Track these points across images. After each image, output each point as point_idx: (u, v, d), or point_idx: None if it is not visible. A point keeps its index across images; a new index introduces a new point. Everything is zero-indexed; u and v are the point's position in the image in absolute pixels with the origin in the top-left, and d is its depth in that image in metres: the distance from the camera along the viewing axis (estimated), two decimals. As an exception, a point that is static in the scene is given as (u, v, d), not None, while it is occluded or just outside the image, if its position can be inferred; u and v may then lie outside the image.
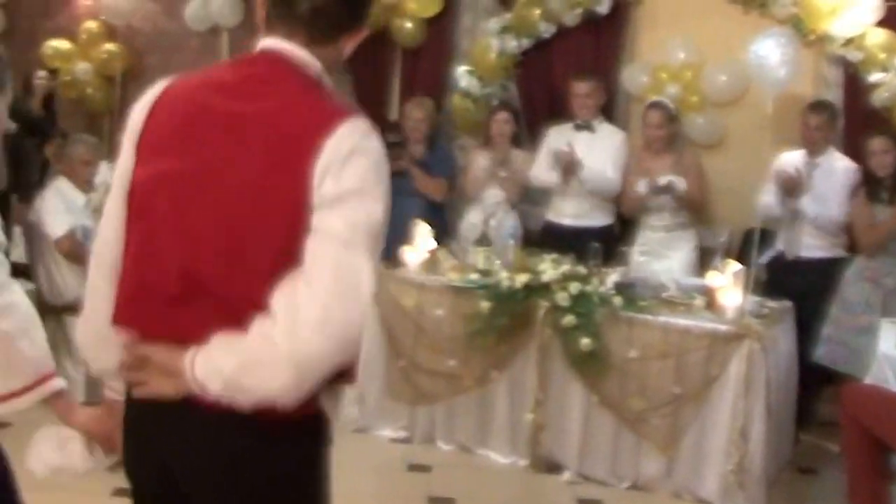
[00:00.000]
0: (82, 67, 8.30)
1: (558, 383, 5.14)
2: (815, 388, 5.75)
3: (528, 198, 6.69)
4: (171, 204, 1.92)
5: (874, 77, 6.08)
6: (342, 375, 1.87)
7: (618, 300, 5.05)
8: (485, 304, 5.20)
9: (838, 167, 5.81)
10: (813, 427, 5.84)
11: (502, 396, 5.30)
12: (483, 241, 5.76)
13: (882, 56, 6.06)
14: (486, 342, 5.23)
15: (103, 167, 6.01)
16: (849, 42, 6.15)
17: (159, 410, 1.91)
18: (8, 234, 6.26)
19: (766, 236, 6.01)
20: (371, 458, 5.33)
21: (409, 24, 7.40)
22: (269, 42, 1.99)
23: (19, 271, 6.46)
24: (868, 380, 4.56)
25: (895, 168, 5.62)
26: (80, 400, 3.08)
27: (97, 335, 2.06)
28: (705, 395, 4.85)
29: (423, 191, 6.66)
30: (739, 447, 4.74)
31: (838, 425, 4.55)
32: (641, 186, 6.05)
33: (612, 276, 5.25)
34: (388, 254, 5.87)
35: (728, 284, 5.06)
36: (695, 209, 6.22)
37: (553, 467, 5.19)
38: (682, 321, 4.95)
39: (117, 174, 2.04)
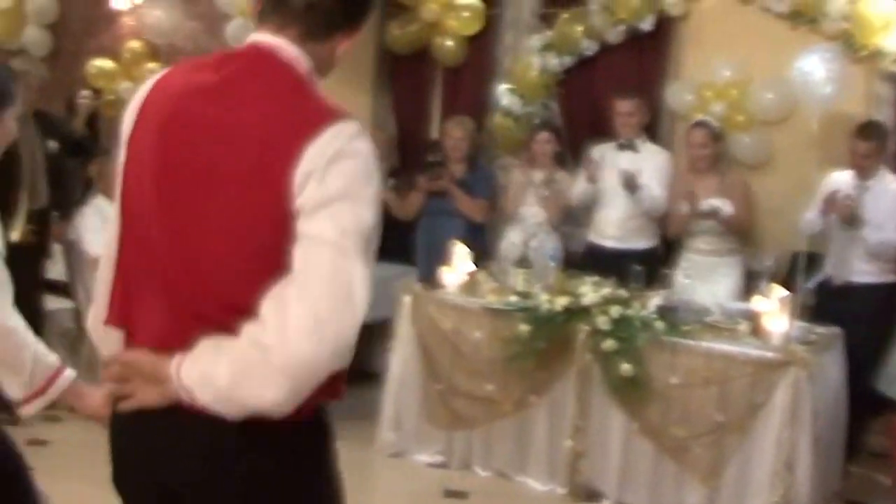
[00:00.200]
0: (125, 87, 8.32)
1: (598, 409, 5.03)
2: (865, 418, 5.56)
3: (570, 219, 6.58)
4: (156, 211, 1.87)
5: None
6: (326, 390, 1.80)
7: (660, 324, 4.93)
8: (523, 328, 5.11)
9: (891, 189, 5.62)
10: (862, 458, 5.64)
11: (541, 422, 5.20)
12: (523, 262, 5.65)
13: (936, 73, 5.89)
14: (525, 366, 5.14)
15: None
16: (902, 58, 5.99)
17: (147, 420, 1.85)
18: (48, 252, 6.30)
19: (815, 260, 5.84)
20: (407, 483, 5.27)
21: (449, 43, 7.34)
22: (259, 36, 1.92)
23: (59, 289, 6.50)
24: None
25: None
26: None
27: (104, 327, 2.03)
28: (749, 423, 4.71)
29: (463, 211, 6.58)
30: (784, 479, 4.59)
31: (889, 457, 4.40)
32: (684, 206, 5.92)
33: (655, 300, 5.14)
34: (428, 275, 5.82)
35: (774, 310, 4.92)
36: (741, 232, 6.07)
37: (592, 495, 5.08)
38: (725, 347, 4.82)
39: (118, 175, 2.00)
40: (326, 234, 1.72)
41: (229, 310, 1.76)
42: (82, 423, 2.28)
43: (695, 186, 5.99)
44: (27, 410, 2.54)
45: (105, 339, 2.03)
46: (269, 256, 1.74)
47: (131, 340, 1.93)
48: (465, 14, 7.23)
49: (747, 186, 6.16)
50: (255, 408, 1.72)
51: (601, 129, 6.58)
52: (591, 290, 5.14)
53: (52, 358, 2.56)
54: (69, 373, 2.56)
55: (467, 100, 7.42)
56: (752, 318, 5.01)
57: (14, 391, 2.52)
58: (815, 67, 5.71)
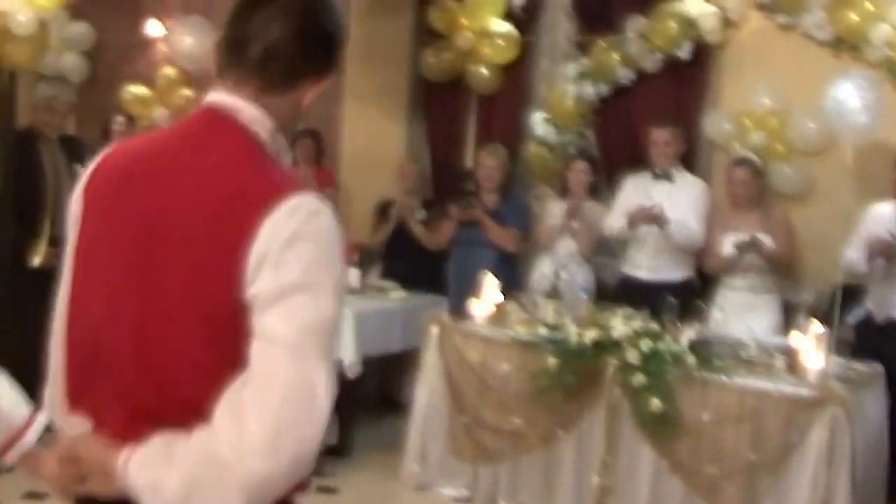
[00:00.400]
0: (160, 113, 8.34)
1: (627, 445, 4.88)
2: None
3: (604, 250, 6.45)
4: (104, 295, 1.74)
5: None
6: (290, 488, 1.67)
7: (691, 359, 4.78)
8: (552, 361, 4.98)
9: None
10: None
11: (568, 457, 5.06)
12: (553, 293, 5.53)
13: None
14: (553, 400, 5.01)
15: None
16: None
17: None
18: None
19: (856, 294, 5.65)
20: (431, 517, 5.16)
21: (484, 71, 7.28)
22: (215, 96, 1.77)
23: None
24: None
25: None
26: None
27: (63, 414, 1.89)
28: (784, 463, 4.53)
29: (495, 241, 6.47)
30: (821, 521, 4.41)
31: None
32: (727, 247, 5.75)
33: (688, 334, 4.99)
34: (459, 306, 5.72)
35: (811, 345, 4.75)
36: (782, 268, 5.91)
37: (620, 533, 4.91)
38: (759, 384, 4.65)
39: (67, 257, 1.86)
40: (284, 335, 1.57)
41: (182, 406, 1.63)
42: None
43: (736, 222, 5.83)
44: None
45: (65, 422, 1.87)
46: (225, 348, 1.61)
47: (87, 420, 1.78)
48: (500, 42, 7.17)
49: (789, 222, 6.00)
50: None
51: (637, 159, 6.46)
52: (621, 323, 5.00)
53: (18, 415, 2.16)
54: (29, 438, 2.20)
55: (502, 128, 7.35)
56: (789, 353, 4.84)
57: None
58: (849, 96, 5.54)
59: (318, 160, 7.51)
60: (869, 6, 5.95)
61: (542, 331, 5.19)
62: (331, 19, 1.82)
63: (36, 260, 5.83)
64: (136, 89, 8.36)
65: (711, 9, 6.45)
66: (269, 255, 1.58)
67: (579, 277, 6.08)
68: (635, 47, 6.65)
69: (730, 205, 6.04)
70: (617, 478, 4.89)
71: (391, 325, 6.19)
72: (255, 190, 1.65)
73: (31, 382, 2.09)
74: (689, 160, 6.45)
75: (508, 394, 5.19)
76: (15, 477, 2.11)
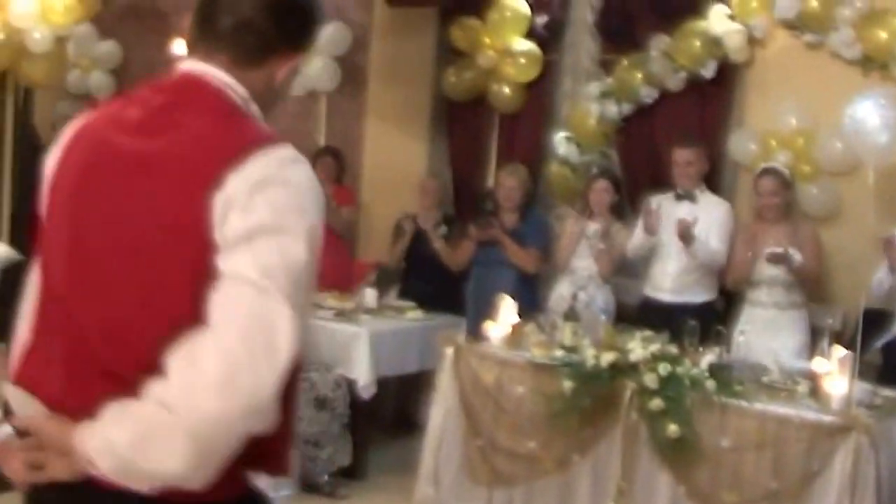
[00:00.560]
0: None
1: (644, 471, 4.74)
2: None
3: (626, 271, 6.34)
4: (68, 257, 1.68)
5: None
6: (260, 462, 1.59)
7: (710, 383, 4.64)
8: (567, 384, 4.86)
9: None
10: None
11: (584, 482, 4.93)
12: (571, 315, 5.41)
13: None
14: (569, 424, 4.89)
15: None
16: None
17: (60, 493, 1.61)
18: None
19: (884, 318, 5.51)
20: (444, 541, 5.06)
21: (506, 89, 7.20)
22: (187, 64, 1.76)
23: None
24: None
25: None
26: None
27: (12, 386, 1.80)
28: (806, 492, 4.37)
29: (514, 262, 6.38)
30: (843, 554, 4.26)
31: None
32: (761, 262, 5.62)
33: (707, 357, 4.86)
34: (477, 327, 5.63)
35: (834, 370, 4.61)
36: (809, 283, 5.77)
37: (636, 561, 4.79)
38: (780, 409, 4.51)
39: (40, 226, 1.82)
40: (246, 272, 1.51)
41: (143, 368, 1.54)
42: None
43: (763, 236, 5.70)
44: None
45: (15, 397, 1.76)
46: (190, 307, 1.54)
47: (40, 403, 1.69)
48: (522, 60, 7.10)
49: (818, 238, 5.85)
50: (159, 478, 1.49)
51: (661, 179, 6.37)
52: (638, 346, 4.88)
53: None
54: None
55: (524, 147, 7.28)
56: (812, 378, 4.71)
57: None
58: (868, 114, 5.40)
59: (338, 178, 7.46)
60: (898, 23, 5.82)
61: (559, 353, 5.09)
62: None
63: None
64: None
65: (736, 27, 6.34)
66: (236, 199, 1.54)
67: (599, 299, 5.99)
68: (658, 66, 6.55)
69: (756, 219, 5.92)
70: (633, 504, 4.77)
71: (408, 346, 6.11)
72: (226, 140, 1.62)
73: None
74: (714, 181, 6.33)
75: (523, 417, 5.08)
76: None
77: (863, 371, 4.77)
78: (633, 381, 4.76)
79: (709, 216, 5.90)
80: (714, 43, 6.38)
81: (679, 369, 4.73)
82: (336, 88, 8.07)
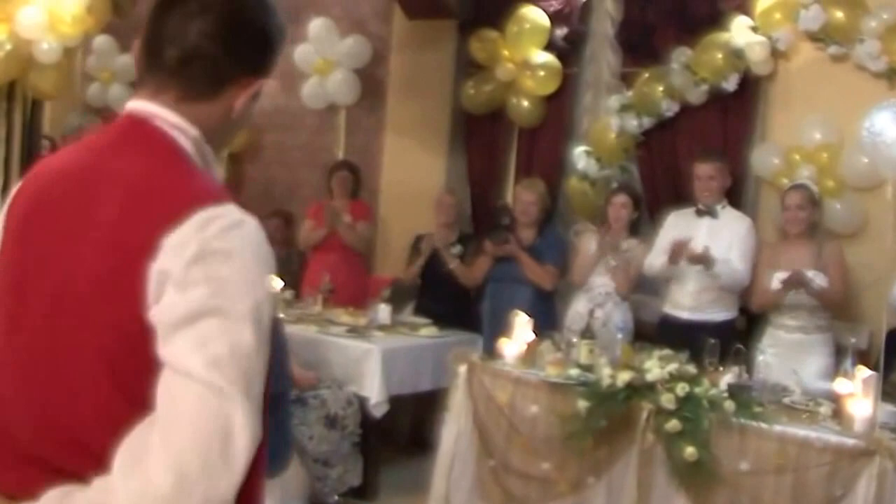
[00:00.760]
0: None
1: (660, 495, 4.61)
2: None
3: (644, 288, 6.21)
4: (3, 327, 1.54)
5: None
6: None
7: (729, 404, 4.51)
8: (582, 404, 4.74)
9: None
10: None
11: (599, 506, 4.81)
12: (587, 333, 5.29)
13: None
14: (583, 445, 4.76)
15: None
16: None
17: None
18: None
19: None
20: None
21: (525, 103, 7.10)
22: (133, 104, 1.60)
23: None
24: None
25: None
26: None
27: None
28: (827, 518, 4.25)
29: (531, 279, 6.26)
30: (865, 583, 4.11)
31: None
32: (775, 282, 5.46)
33: (727, 377, 4.73)
34: (493, 344, 5.52)
35: (858, 391, 4.46)
36: (834, 307, 5.60)
37: (651, 587, 4.65)
38: (801, 432, 4.37)
39: None
40: (192, 367, 1.37)
41: (81, 455, 1.43)
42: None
43: (786, 256, 5.55)
44: None
45: None
46: (129, 385, 1.41)
47: None
48: (542, 73, 7.01)
49: (843, 260, 5.65)
50: None
51: (682, 195, 6.24)
52: (656, 366, 4.75)
53: None
54: None
55: (543, 162, 7.19)
56: (835, 399, 4.57)
57: None
58: (886, 126, 5.24)
59: (354, 193, 7.39)
60: (926, 35, 5.68)
61: (574, 372, 4.97)
62: (258, 12, 1.63)
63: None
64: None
65: (759, 39, 6.21)
66: (172, 273, 1.39)
67: (616, 316, 5.85)
68: (680, 79, 6.43)
69: (781, 238, 5.77)
70: (649, 528, 4.64)
71: (421, 364, 6.01)
72: (164, 198, 1.46)
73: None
74: (736, 196, 6.19)
75: (537, 437, 4.97)
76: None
77: (888, 392, 4.64)
78: (649, 402, 4.63)
79: (730, 232, 5.77)
80: (736, 55, 6.26)
81: (697, 389, 4.60)
82: (355, 102, 8.01)
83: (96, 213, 1.47)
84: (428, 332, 6.27)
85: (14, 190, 1.67)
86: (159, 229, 1.40)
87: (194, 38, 1.55)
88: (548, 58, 7.04)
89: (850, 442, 4.27)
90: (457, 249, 6.70)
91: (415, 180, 7.74)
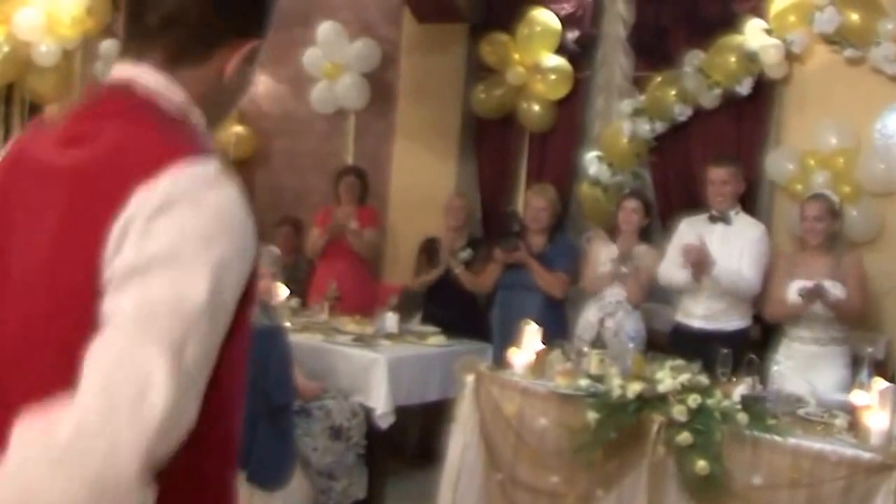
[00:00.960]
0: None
1: (671, 509, 4.51)
2: None
3: (657, 296, 6.10)
4: None
5: None
6: None
7: (742, 416, 4.40)
8: (591, 415, 4.64)
9: None
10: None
11: (608, 520, 4.71)
12: (597, 343, 5.18)
13: None
14: (593, 458, 4.66)
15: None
16: None
17: None
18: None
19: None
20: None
21: (536, 107, 7.00)
22: (116, 70, 1.50)
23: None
24: None
25: None
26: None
27: None
28: (843, 535, 4.13)
29: (541, 286, 6.16)
30: None
31: None
32: (792, 293, 5.33)
33: (740, 388, 4.62)
34: (502, 354, 5.42)
35: (875, 403, 4.34)
36: (851, 320, 5.46)
37: None
38: (816, 445, 4.25)
39: None
40: (122, 314, 1.23)
41: None
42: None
43: (804, 267, 5.42)
44: None
45: None
46: (69, 357, 1.25)
47: None
48: (553, 77, 6.91)
49: (863, 271, 5.50)
50: None
51: (694, 200, 6.14)
52: (668, 376, 4.64)
53: None
54: None
55: (554, 167, 7.10)
56: (851, 411, 4.45)
57: None
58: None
59: (362, 199, 7.30)
60: (943, 37, 5.56)
61: (584, 383, 4.87)
62: None
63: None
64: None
65: (773, 41, 6.09)
66: (134, 224, 1.26)
67: (628, 325, 5.74)
68: (693, 82, 6.32)
69: (798, 248, 5.65)
70: (660, 543, 4.53)
71: (429, 373, 5.91)
72: (138, 153, 1.34)
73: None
74: (750, 202, 6.08)
75: (546, 450, 4.87)
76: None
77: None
78: (660, 414, 4.52)
79: (743, 239, 5.65)
80: (750, 58, 6.15)
81: (709, 401, 4.49)
82: (364, 107, 7.93)
83: (73, 176, 1.37)
84: (436, 340, 6.17)
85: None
86: (129, 184, 1.28)
87: (177, 1, 1.45)
88: (559, 61, 6.94)
89: (867, 456, 4.15)
90: (466, 253, 6.61)
91: (424, 186, 7.65)
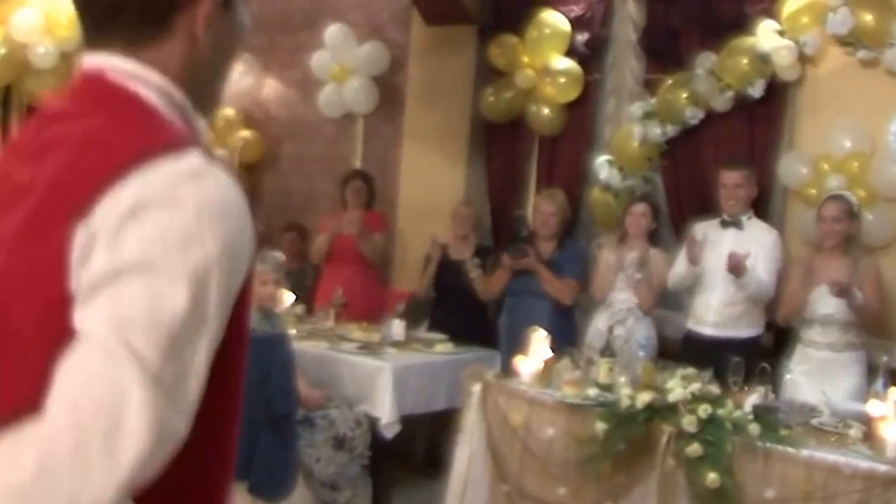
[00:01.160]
0: (218, 154, 8.15)
1: (681, 522, 4.42)
2: None
3: (668, 302, 6.00)
4: None
5: None
6: None
7: (754, 427, 4.30)
8: (600, 426, 4.55)
9: None
10: None
11: (617, 533, 4.61)
12: (607, 351, 5.08)
13: None
14: (601, 469, 4.57)
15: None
16: None
17: None
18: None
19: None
20: None
21: (546, 111, 6.91)
22: (83, 61, 1.35)
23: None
24: None
25: None
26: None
27: None
28: (857, 550, 4.03)
29: (550, 293, 6.06)
30: None
31: None
32: (822, 292, 5.22)
33: (752, 398, 4.51)
34: (507, 363, 5.34)
35: (891, 413, 4.24)
36: (867, 324, 5.35)
37: None
38: (830, 457, 4.14)
39: None
40: (94, 327, 1.11)
41: None
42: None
43: (820, 269, 5.31)
44: None
45: None
46: (37, 377, 1.13)
47: None
48: (562, 80, 6.82)
49: (880, 275, 5.41)
50: None
51: (706, 205, 6.05)
52: (678, 386, 4.54)
53: None
54: None
55: (564, 172, 7.01)
56: (866, 421, 4.35)
57: None
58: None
59: (369, 203, 7.22)
60: (960, 38, 5.45)
61: (592, 392, 4.78)
62: None
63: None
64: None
65: (786, 43, 5.99)
66: (103, 231, 1.13)
67: (639, 333, 5.66)
68: (704, 85, 6.21)
69: (813, 251, 5.55)
70: (669, 558, 4.43)
71: (436, 382, 5.82)
72: (106, 150, 1.20)
73: None
74: (762, 207, 5.98)
75: (553, 461, 4.77)
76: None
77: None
78: (670, 424, 4.43)
79: (756, 244, 5.56)
80: (762, 60, 6.04)
81: (720, 411, 4.40)
82: (373, 110, 7.85)
83: (37, 180, 1.23)
84: (443, 348, 6.08)
85: None
86: (96, 185, 1.15)
87: None
88: (569, 64, 6.85)
89: (883, 468, 4.05)
90: (474, 262, 6.51)
91: (433, 190, 7.56)
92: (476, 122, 7.46)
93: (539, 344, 5.16)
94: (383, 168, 7.82)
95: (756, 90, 6.10)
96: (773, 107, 6.20)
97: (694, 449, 4.31)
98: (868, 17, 5.73)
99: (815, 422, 4.52)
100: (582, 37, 6.88)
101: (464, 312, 6.48)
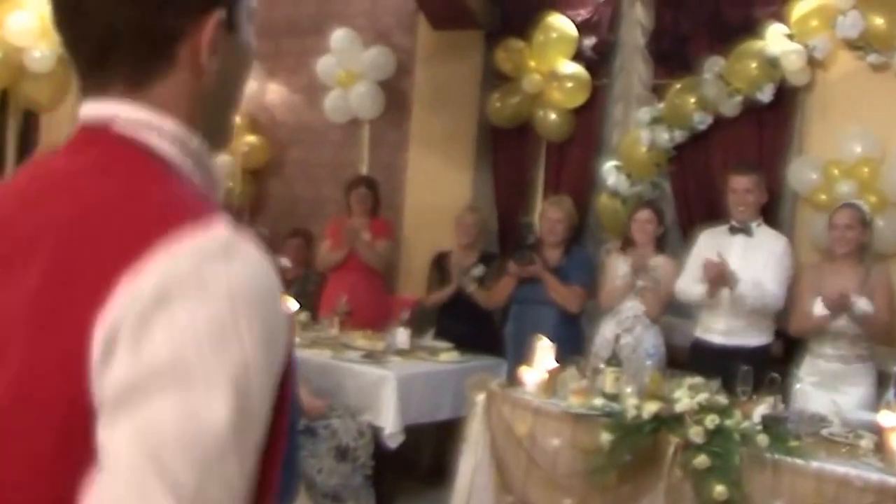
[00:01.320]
0: (224, 160, 8.10)
1: (688, 535, 4.34)
2: None
3: (677, 310, 5.92)
4: None
5: None
6: None
7: (762, 438, 4.22)
8: (605, 437, 4.47)
9: None
10: None
11: (623, 546, 4.53)
12: (613, 359, 5.01)
13: None
14: (607, 481, 4.50)
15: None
16: None
17: None
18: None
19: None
20: None
21: (553, 116, 6.83)
22: (84, 110, 1.18)
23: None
24: None
25: None
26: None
27: None
28: (868, 565, 3.95)
29: (557, 300, 5.99)
30: None
31: None
32: (818, 308, 5.13)
33: (760, 408, 4.43)
34: (513, 372, 5.27)
35: (901, 425, 4.16)
36: (878, 336, 5.25)
37: None
38: (840, 469, 4.07)
39: None
40: (120, 453, 0.96)
41: None
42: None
43: (830, 279, 5.22)
44: None
45: None
46: (58, 495, 0.99)
47: None
48: (570, 84, 6.75)
49: (891, 284, 5.30)
50: None
51: (715, 212, 5.96)
52: (685, 395, 4.47)
53: None
54: None
55: (571, 177, 6.93)
56: (878, 432, 4.26)
57: None
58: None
59: (373, 210, 7.15)
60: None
61: (598, 402, 4.71)
62: None
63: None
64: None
65: (795, 47, 5.90)
66: (124, 326, 0.97)
67: (646, 341, 5.57)
68: (713, 90, 6.13)
69: (824, 259, 5.46)
70: (677, 571, 4.35)
71: (441, 391, 5.75)
72: (120, 227, 1.04)
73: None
74: (772, 213, 5.89)
75: (558, 472, 4.71)
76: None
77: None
78: (677, 435, 4.36)
79: (765, 252, 5.48)
80: (771, 64, 5.96)
81: (728, 422, 4.33)
82: (379, 116, 7.80)
83: (32, 250, 1.07)
84: (448, 357, 6.01)
85: None
86: (109, 269, 1.00)
87: (97, 16, 1.14)
88: (576, 69, 6.78)
89: (894, 481, 3.97)
90: (478, 270, 6.44)
91: (440, 197, 7.49)
92: (483, 128, 7.39)
93: (544, 352, 5.09)
94: (390, 173, 7.76)
95: (765, 95, 6.02)
96: (783, 112, 6.12)
97: (701, 461, 4.23)
98: (879, 21, 5.66)
99: (825, 432, 4.46)
100: (589, 41, 6.80)
101: (470, 320, 6.41)
